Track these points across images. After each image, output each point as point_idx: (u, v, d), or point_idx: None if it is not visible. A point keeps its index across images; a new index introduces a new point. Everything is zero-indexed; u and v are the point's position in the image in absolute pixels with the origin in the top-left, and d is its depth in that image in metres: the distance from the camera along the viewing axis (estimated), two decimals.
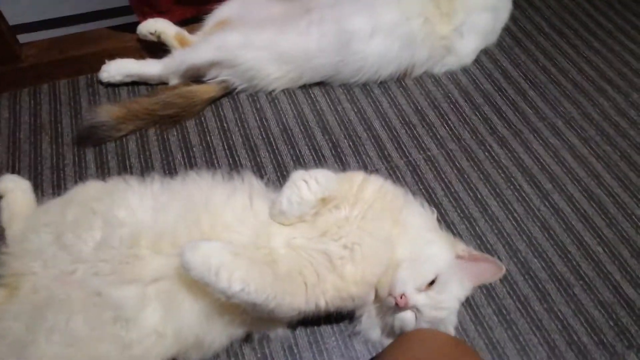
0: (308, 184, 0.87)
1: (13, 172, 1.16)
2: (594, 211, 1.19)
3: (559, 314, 1.03)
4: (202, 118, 1.31)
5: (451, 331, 0.88)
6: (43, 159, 1.20)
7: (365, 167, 1.24)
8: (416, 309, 0.84)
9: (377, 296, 0.88)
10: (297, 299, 0.78)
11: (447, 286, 0.86)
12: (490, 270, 0.90)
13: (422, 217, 0.96)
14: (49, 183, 1.16)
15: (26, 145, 1.22)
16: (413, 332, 0.85)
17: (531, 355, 0.98)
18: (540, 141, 1.32)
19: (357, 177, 0.93)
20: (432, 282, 0.85)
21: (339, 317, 0.95)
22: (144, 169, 1.20)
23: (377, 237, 0.86)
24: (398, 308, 0.83)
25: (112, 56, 1.35)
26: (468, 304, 1.02)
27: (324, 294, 0.82)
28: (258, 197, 0.91)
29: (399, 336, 0.87)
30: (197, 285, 0.75)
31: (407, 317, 0.85)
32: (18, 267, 0.80)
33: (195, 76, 1.33)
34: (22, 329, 0.73)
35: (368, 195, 0.90)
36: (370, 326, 0.91)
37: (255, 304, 0.74)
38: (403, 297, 0.82)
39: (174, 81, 1.34)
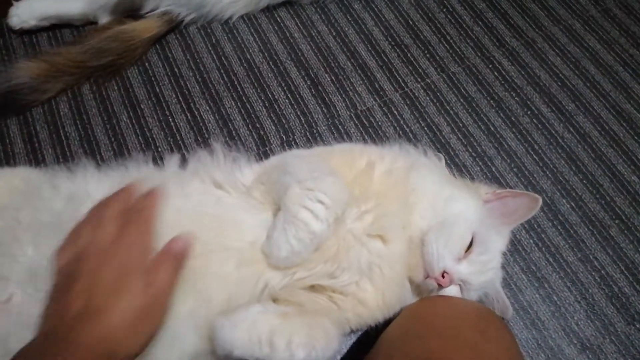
0: (314, 212, 0.63)
1: None
2: (625, 132, 1.01)
3: (595, 263, 0.89)
4: (146, 64, 1.05)
5: (499, 289, 0.75)
6: None
7: (354, 106, 1.02)
8: (461, 282, 0.69)
9: (411, 282, 0.71)
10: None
11: (487, 243, 0.70)
12: (523, 205, 0.74)
13: (432, 171, 0.77)
14: None
15: None
16: (432, 300, 0.70)
17: (568, 315, 0.85)
18: (557, 50, 1.11)
19: (358, 159, 0.72)
20: (469, 245, 0.69)
21: None
22: (83, 138, 0.97)
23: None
24: (441, 287, 0.68)
25: None
26: None
27: (348, 322, 0.67)
28: (242, 208, 0.69)
29: (416, 304, 0.72)
30: None
31: (449, 291, 0.70)
32: None
33: (129, 10, 1.07)
34: None
35: (376, 186, 0.70)
36: None
37: None
38: (445, 274, 0.66)
39: (104, 19, 1.07)
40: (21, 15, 1.05)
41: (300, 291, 0.65)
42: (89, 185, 0.70)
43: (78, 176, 0.72)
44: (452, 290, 0.69)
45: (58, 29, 1.08)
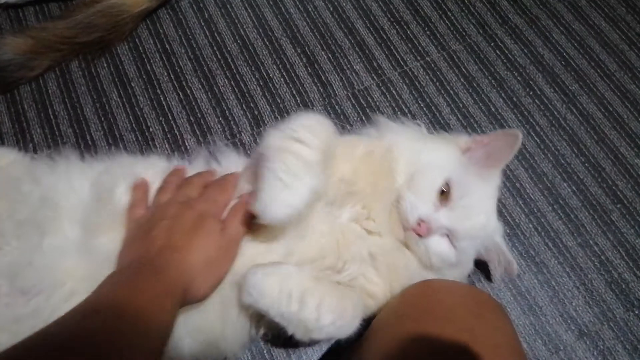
0: (301, 140, 0.57)
1: None
2: (629, 114, 0.99)
3: (595, 248, 0.87)
4: (137, 40, 1.02)
5: (499, 242, 0.72)
6: None
7: (351, 85, 0.99)
8: (446, 230, 0.66)
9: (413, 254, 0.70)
10: None
11: (467, 187, 0.68)
12: (504, 144, 0.71)
13: (408, 133, 0.76)
14: None
15: None
16: (427, 284, 0.69)
17: (566, 301, 0.83)
18: (562, 28, 1.07)
19: (356, 147, 0.70)
20: (446, 192, 0.67)
21: None
22: (72, 117, 0.94)
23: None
24: (423, 237, 0.66)
25: None
26: None
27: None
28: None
29: (410, 288, 0.71)
30: None
31: (437, 244, 0.67)
32: None
33: None
34: None
35: (363, 177, 0.68)
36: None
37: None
38: (422, 223, 0.64)
39: None
40: None
41: None
42: (71, 180, 0.68)
43: (60, 167, 0.70)
44: (440, 244, 0.67)
45: (45, 3, 1.04)
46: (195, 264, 0.56)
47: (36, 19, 1.03)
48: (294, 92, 0.98)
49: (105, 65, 0.99)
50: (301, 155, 0.57)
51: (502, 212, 0.89)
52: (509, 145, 0.70)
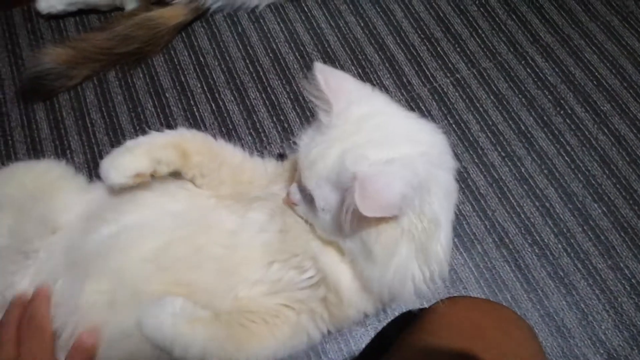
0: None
1: None
2: None
3: (625, 271, 0.86)
4: (172, 52, 1.04)
5: (360, 172, 0.50)
6: None
7: None
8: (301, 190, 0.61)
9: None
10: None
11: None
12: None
13: None
14: None
15: None
16: (454, 301, 0.68)
17: (595, 324, 0.82)
18: (594, 48, 1.06)
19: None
20: None
21: None
22: (109, 125, 0.96)
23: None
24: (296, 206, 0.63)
25: None
26: (517, 266, 0.85)
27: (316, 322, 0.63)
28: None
29: (437, 306, 0.70)
30: None
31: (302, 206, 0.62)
32: None
33: None
34: None
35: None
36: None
37: None
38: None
39: (130, 5, 1.06)
40: (49, 0, 1.05)
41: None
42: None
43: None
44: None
45: (85, 15, 1.08)
46: None
47: (76, 30, 1.07)
48: (299, 84, 0.99)
49: (141, 75, 1.02)
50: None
51: (532, 231, 0.88)
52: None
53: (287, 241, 0.62)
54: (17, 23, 1.07)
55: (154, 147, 0.61)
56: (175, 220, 0.63)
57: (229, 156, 0.67)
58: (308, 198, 0.58)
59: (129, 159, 0.60)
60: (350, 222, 0.51)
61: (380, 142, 0.54)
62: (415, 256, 0.56)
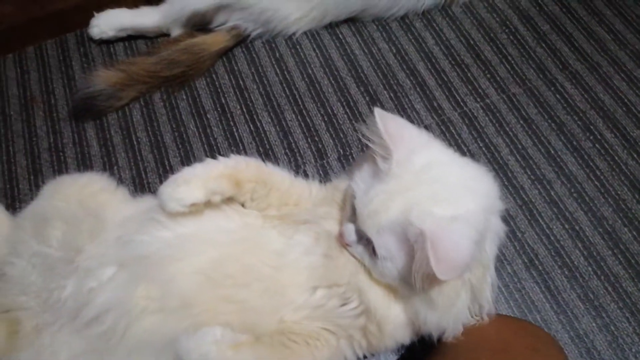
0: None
1: (8, 157, 1.01)
2: None
3: None
4: (214, 75, 1.11)
5: (428, 229, 0.52)
6: (39, 139, 1.03)
7: (412, 122, 1.03)
8: (358, 235, 0.63)
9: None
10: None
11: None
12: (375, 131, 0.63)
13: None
14: (49, 167, 1.01)
15: (18, 124, 1.05)
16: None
17: (625, 347, 0.83)
18: (623, 75, 1.08)
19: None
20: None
21: None
22: (153, 144, 1.02)
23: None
24: (350, 247, 0.65)
25: (101, 7, 1.13)
26: (547, 288, 0.86)
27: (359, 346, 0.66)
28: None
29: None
30: None
31: (358, 248, 0.64)
32: (6, 301, 0.66)
33: (200, 24, 1.12)
34: None
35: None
36: None
37: None
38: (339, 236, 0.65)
39: (176, 32, 1.13)
40: (101, 26, 1.12)
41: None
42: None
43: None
44: (359, 247, 0.64)
45: (133, 40, 1.15)
46: None
47: (125, 54, 1.14)
48: (356, 128, 1.03)
49: (184, 97, 1.08)
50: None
51: (561, 253, 0.90)
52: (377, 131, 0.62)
53: (332, 269, 0.65)
54: (70, 47, 1.15)
55: (209, 179, 0.65)
56: (230, 237, 0.66)
57: (278, 182, 0.71)
58: (364, 241, 0.62)
59: (186, 191, 0.64)
60: (421, 281, 0.54)
61: (443, 196, 0.57)
62: (470, 300, 0.61)
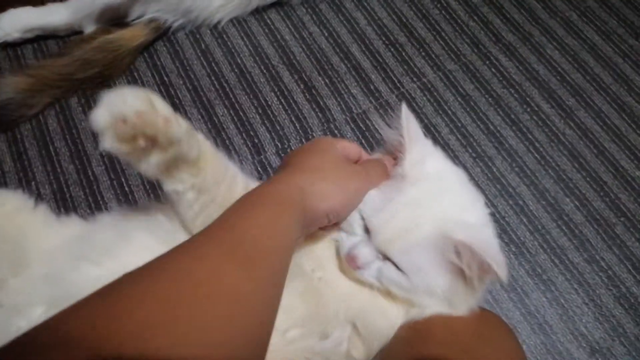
0: None
1: None
2: (628, 126, 0.99)
3: (601, 263, 0.87)
4: (135, 73, 1.03)
5: (466, 238, 0.55)
6: None
7: (349, 109, 0.99)
8: (376, 255, 0.60)
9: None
10: None
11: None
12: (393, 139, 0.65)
13: None
14: None
15: None
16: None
17: (576, 318, 0.83)
18: (555, 44, 1.08)
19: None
20: None
21: None
22: (74, 153, 0.94)
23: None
24: (362, 269, 0.61)
25: (3, 6, 1.02)
26: None
27: None
28: None
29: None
30: None
31: (376, 271, 0.61)
32: None
33: (115, 18, 1.04)
34: None
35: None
36: None
37: None
38: (350, 256, 0.60)
39: (89, 28, 1.04)
40: (4, 28, 1.02)
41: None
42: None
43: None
44: (378, 269, 0.60)
45: (43, 40, 1.05)
46: (339, 199, 0.56)
47: (34, 57, 1.04)
48: (293, 118, 0.98)
49: None
50: None
51: (507, 230, 0.89)
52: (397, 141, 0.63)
53: (312, 307, 0.60)
54: None
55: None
56: None
57: (231, 176, 0.60)
58: (380, 259, 0.59)
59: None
60: (477, 281, 0.56)
61: (462, 203, 0.59)
62: None
